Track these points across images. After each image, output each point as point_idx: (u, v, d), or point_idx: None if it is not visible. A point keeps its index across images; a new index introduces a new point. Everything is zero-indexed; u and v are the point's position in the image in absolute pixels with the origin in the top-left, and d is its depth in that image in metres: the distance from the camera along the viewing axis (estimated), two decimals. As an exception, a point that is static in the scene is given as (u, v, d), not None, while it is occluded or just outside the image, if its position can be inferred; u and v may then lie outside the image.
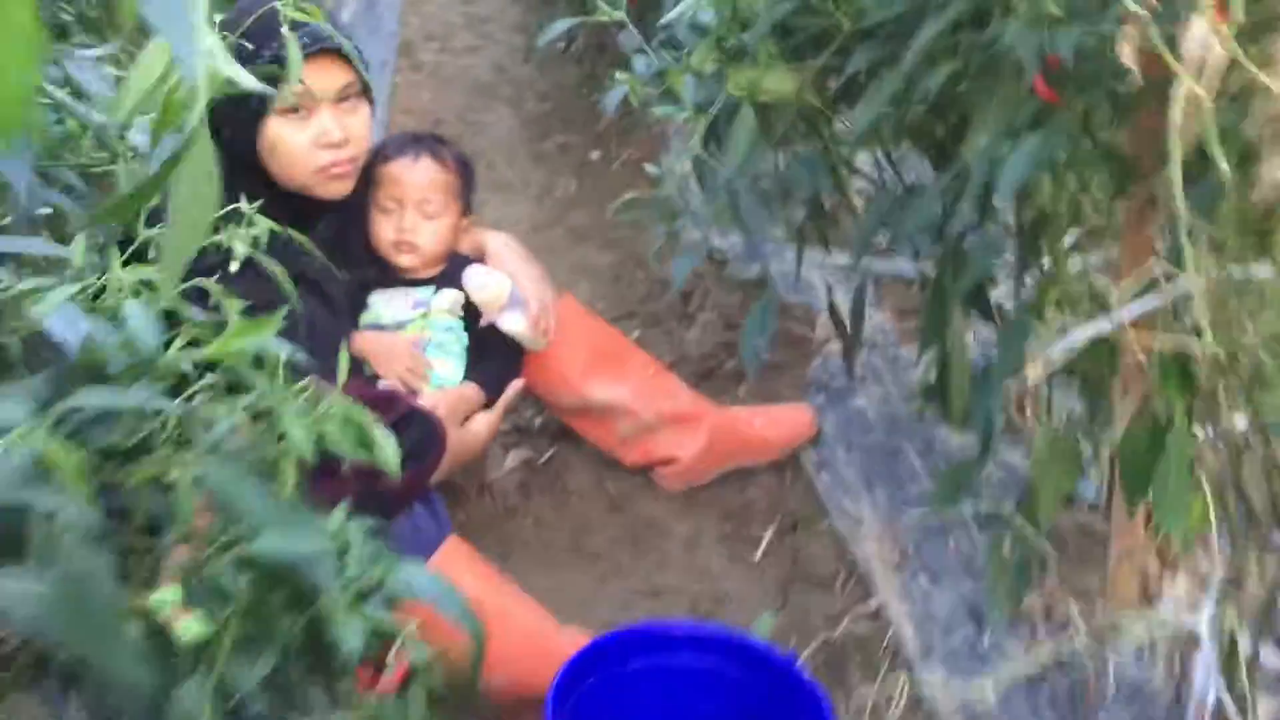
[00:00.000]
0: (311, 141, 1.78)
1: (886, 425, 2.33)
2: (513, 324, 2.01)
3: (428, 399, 1.94)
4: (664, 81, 1.86)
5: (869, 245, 1.64)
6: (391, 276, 2.07)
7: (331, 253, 1.93)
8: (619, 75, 1.90)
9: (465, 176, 2.10)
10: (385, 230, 2.04)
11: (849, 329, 2.02)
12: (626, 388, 2.24)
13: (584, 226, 3.56)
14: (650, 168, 2.33)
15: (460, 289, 2.04)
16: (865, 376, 2.48)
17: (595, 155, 3.96)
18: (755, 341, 1.85)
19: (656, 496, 2.33)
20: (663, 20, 1.70)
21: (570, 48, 4.26)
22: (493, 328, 2.03)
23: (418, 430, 1.78)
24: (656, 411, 2.25)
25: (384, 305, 2.04)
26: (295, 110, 1.76)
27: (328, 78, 1.76)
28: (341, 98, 1.80)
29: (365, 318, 2.04)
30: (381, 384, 1.96)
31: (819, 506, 2.25)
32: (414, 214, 2.04)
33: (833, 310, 2.00)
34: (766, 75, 1.61)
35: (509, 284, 2.00)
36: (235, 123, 1.76)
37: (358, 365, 1.99)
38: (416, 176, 2.03)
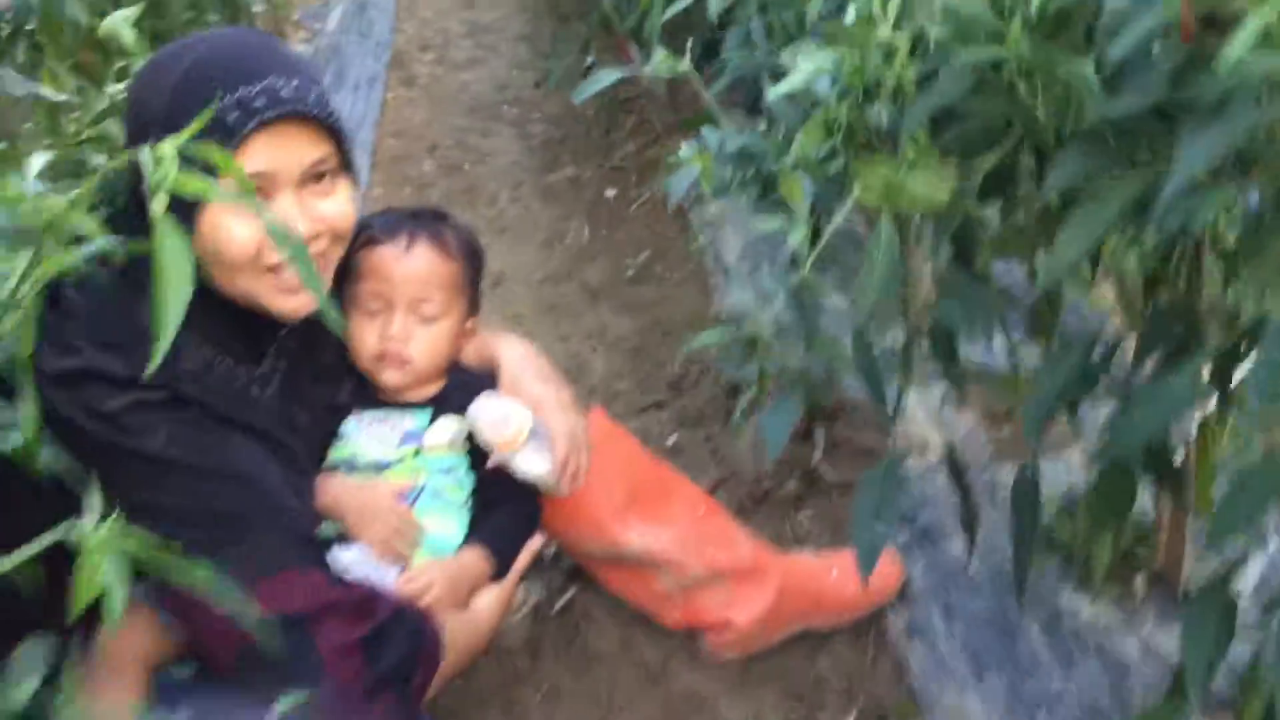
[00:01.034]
0: (260, 235, 1.29)
1: (996, 583, 1.85)
2: (533, 467, 1.52)
3: (417, 578, 1.45)
4: (749, 162, 1.38)
5: (1044, 427, 1.16)
6: (373, 398, 1.57)
7: (295, 371, 1.44)
8: (685, 151, 1.41)
9: (473, 266, 1.61)
10: (367, 337, 1.55)
11: (963, 484, 1.54)
12: (671, 533, 1.75)
13: (600, 282, 3.07)
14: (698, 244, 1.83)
15: (462, 415, 1.54)
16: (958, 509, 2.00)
17: (611, 193, 3.47)
18: (778, 431, 1.37)
19: (703, 665, 1.84)
20: (772, 95, 1.21)
21: (587, 70, 3.76)
22: (502, 468, 1.54)
23: (404, 641, 1.30)
24: (708, 564, 1.76)
25: (363, 437, 1.54)
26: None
27: (291, 152, 1.27)
28: (311, 176, 1.31)
29: (337, 453, 1.54)
30: (351, 554, 1.46)
31: (910, 693, 1.76)
32: (406, 317, 1.54)
33: (952, 464, 1.51)
34: (913, 176, 1.12)
35: (529, 418, 1.51)
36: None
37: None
38: (410, 269, 1.54)
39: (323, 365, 1.53)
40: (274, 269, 1.31)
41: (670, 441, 2.25)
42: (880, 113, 1.15)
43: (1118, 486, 1.23)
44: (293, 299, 1.33)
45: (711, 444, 2.23)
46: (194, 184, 0.69)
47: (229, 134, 1.22)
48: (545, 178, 3.66)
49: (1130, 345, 2.00)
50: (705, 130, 1.43)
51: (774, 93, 1.16)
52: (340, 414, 1.56)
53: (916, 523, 2.00)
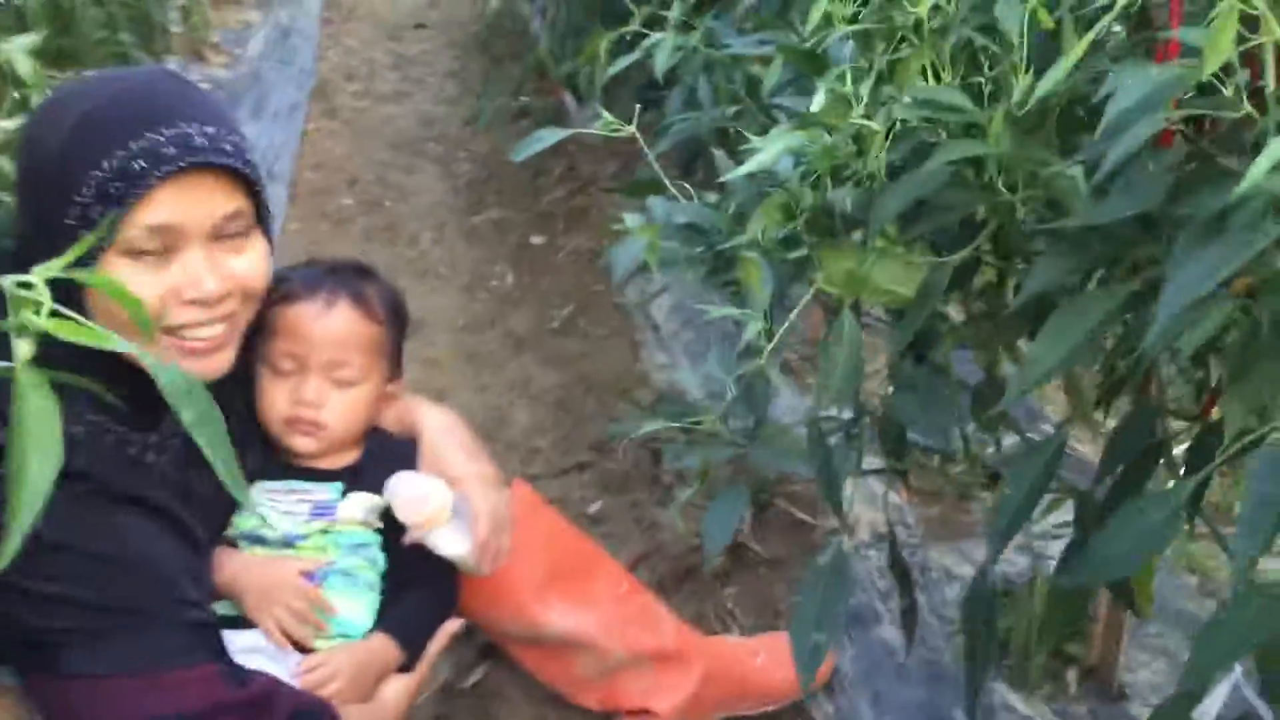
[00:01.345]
0: (167, 293, 1.17)
1: (926, 671, 1.78)
2: (453, 547, 1.42)
3: (319, 666, 1.34)
4: (698, 237, 1.30)
5: (1007, 538, 1.09)
6: (282, 465, 1.46)
7: (191, 441, 1.32)
8: (630, 221, 1.32)
9: (397, 328, 1.51)
10: (277, 399, 1.43)
11: (904, 578, 1.47)
12: (593, 615, 1.66)
13: (524, 332, 2.98)
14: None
15: (377, 491, 1.43)
16: (889, 592, 1.94)
17: (538, 240, 3.39)
18: (720, 531, 1.29)
19: (622, 755, 1.75)
20: (732, 174, 1.14)
21: (519, 113, 3.68)
22: (418, 545, 1.43)
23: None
24: (629, 647, 1.67)
25: (267, 509, 1.42)
26: (148, 250, 1.16)
27: (202, 204, 1.16)
28: (222, 233, 1.20)
29: (241, 523, 1.42)
30: (247, 638, 1.34)
31: (839, 788, 1.69)
32: (320, 380, 1.43)
33: (895, 557, 1.44)
34: (879, 267, 1.06)
35: (450, 496, 1.40)
36: (51, 256, 1.15)
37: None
38: (329, 330, 1.43)
39: (228, 429, 1.41)
40: (176, 330, 1.19)
41: (593, 509, 2.16)
42: (845, 199, 1.08)
43: (1073, 606, 1.17)
44: (199, 363, 1.22)
45: (636, 512, 2.15)
46: (70, 329, 0.59)
47: (132, 184, 1.11)
48: (470, 219, 3.56)
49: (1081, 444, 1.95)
50: (652, 201, 1.34)
51: (736, 172, 1.08)
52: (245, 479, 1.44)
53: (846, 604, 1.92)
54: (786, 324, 1.08)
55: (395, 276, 3.27)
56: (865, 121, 0.97)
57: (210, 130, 1.15)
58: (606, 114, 1.46)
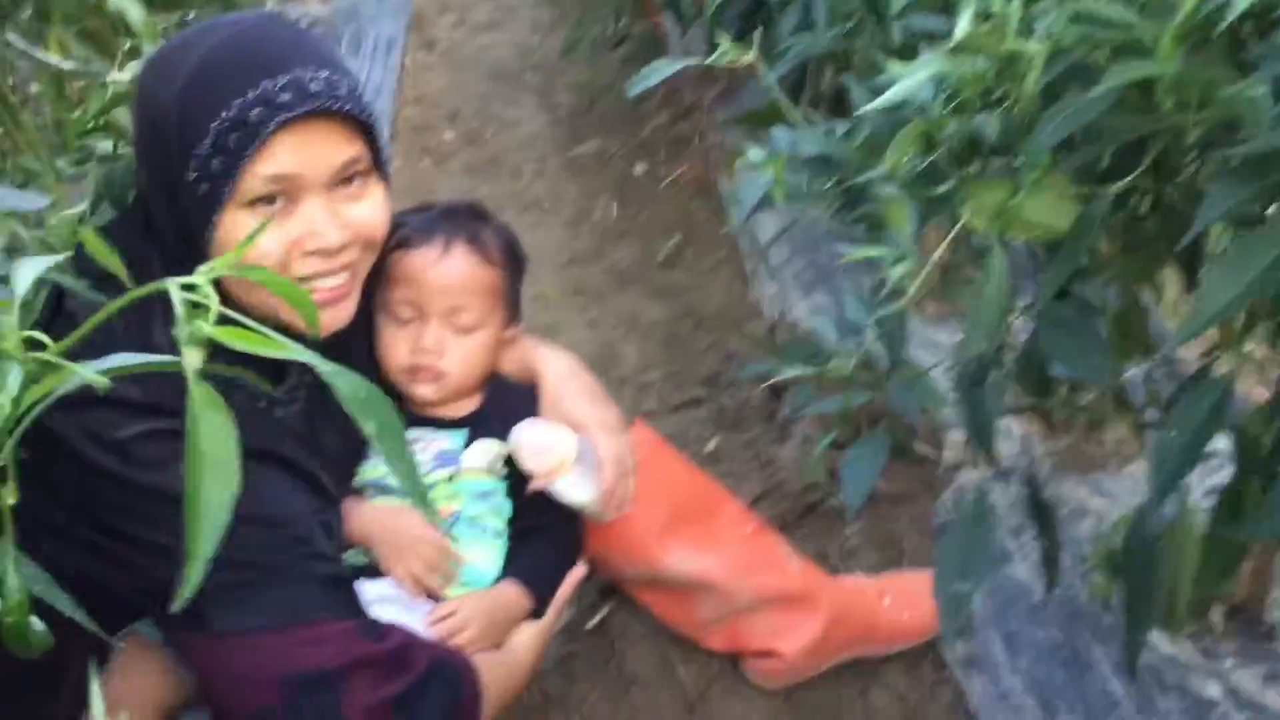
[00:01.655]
0: (290, 245, 1.15)
1: (1062, 613, 1.73)
2: (578, 494, 1.39)
3: (451, 615, 1.33)
4: (828, 170, 1.24)
5: (1170, 486, 1.02)
6: (405, 415, 1.44)
7: (320, 387, 1.31)
8: (753, 154, 1.27)
9: (514, 271, 1.47)
10: (398, 348, 1.42)
11: (1045, 518, 1.41)
12: (716, 558, 1.63)
13: (630, 266, 2.93)
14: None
15: (501, 437, 1.41)
16: (1020, 528, 1.88)
17: (640, 169, 3.32)
18: (861, 482, 1.23)
19: (747, 694, 1.73)
20: (866, 107, 1.07)
21: (621, 43, 3.60)
22: (543, 492, 1.41)
23: (441, 698, 1.18)
24: (755, 590, 1.64)
25: (392, 458, 1.41)
26: (268, 200, 1.13)
27: (320, 152, 1.14)
28: (342, 179, 1.17)
29: (367, 473, 1.42)
30: (379, 587, 1.34)
31: (973, 731, 1.65)
32: (440, 327, 1.41)
33: (1035, 497, 1.38)
34: (1030, 199, 0.99)
35: (574, 444, 1.37)
36: (178, 213, 1.14)
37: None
38: (446, 275, 1.40)
39: (348, 377, 1.40)
40: (300, 282, 1.18)
41: (709, 447, 2.13)
42: (992, 127, 1.01)
43: (1230, 553, 1.11)
44: (322, 314, 1.20)
45: (753, 449, 2.10)
46: (238, 335, 0.55)
47: (251, 133, 1.08)
48: (571, 151, 3.51)
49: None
50: (776, 131, 1.28)
51: (877, 102, 1.02)
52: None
53: (973, 542, 1.87)
54: (930, 262, 1.01)
55: (499, 212, 3.25)
56: (1024, 45, 0.90)
57: (325, 75, 1.11)
58: (724, 39, 1.40)
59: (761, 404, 2.22)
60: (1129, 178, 0.97)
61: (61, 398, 1.13)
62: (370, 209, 1.21)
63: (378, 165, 1.22)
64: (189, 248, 1.15)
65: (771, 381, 2.24)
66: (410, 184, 3.35)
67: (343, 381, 0.55)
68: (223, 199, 1.10)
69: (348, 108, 1.12)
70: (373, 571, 1.37)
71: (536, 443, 1.36)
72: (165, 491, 1.09)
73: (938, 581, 1.19)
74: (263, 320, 1.22)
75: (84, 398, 1.14)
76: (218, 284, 1.19)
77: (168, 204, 1.14)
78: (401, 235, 1.42)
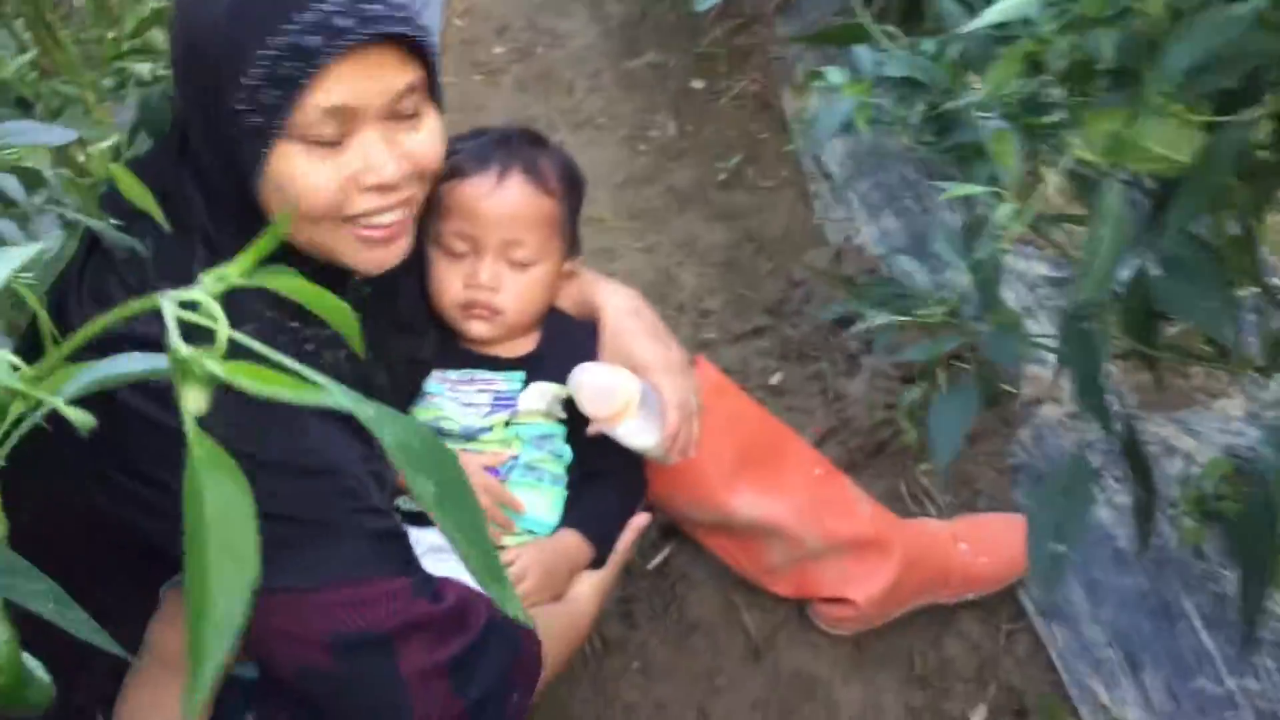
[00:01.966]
0: (346, 181, 1.07)
1: (1149, 561, 1.64)
2: (640, 439, 1.32)
3: (509, 564, 1.27)
4: (916, 94, 1.14)
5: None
6: (459, 353, 1.37)
7: (371, 325, 1.24)
8: (833, 76, 1.16)
9: (573, 201, 1.39)
10: (451, 283, 1.34)
11: (1141, 465, 1.31)
12: (784, 502, 1.55)
13: (688, 186, 2.82)
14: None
15: (559, 381, 1.34)
16: (1101, 467, 1.78)
17: (698, 84, 3.19)
18: (950, 436, 1.15)
19: (815, 641, 1.66)
20: (968, 26, 0.96)
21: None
22: (603, 436, 1.33)
23: (499, 658, 1.12)
24: (825, 535, 1.57)
25: (448, 400, 1.34)
26: (322, 133, 1.05)
27: (378, 80, 1.05)
28: (397, 109, 1.09)
29: (421, 415, 1.35)
30: (433, 536, 1.28)
31: (1053, 683, 1.57)
32: (496, 261, 1.33)
33: (1129, 442, 1.28)
34: (1149, 128, 0.88)
35: (637, 387, 1.29)
36: (223, 145, 1.06)
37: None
38: (501, 206, 1.31)
39: (402, 316, 1.33)
40: (355, 219, 1.10)
41: (774, 379, 2.04)
42: (1109, 48, 0.90)
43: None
44: (378, 252, 1.13)
45: (820, 383, 2.01)
46: (249, 373, 0.40)
47: (306, 63, 1.00)
48: (625, 64, 3.38)
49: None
50: (858, 51, 1.17)
51: (979, 21, 0.91)
52: (423, 370, 1.36)
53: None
54: (1036, 198, 0.91)
55: (552, 130, 3.15)
56: (1159, -46, 0.79)
57: None
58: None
59: (828, 334, 2.12)
60: (1260, 106, 0.86)
61: (96, 340, 1.07)
62: (428, 138, 1.13)
63: (433, 90, 1.14)
64: (233, 182, 1.07)
65: (836, 310, 2.15)
66: (460, 100, 3.25)
67: (391, 430, 0.42)
68: (275, 133, 1.02)
69: (408, 31, 1.03)
70: (427, 519, 1.30)
71: (597, 386, 1.28)
72: None
73: (1031, 540, 1.10)
74: (316, 255, 1.16)
75: (120, 337, 1.08)
76: (264, 219, 1.12)
77: (210, 135, 1.06)
78: (454, 163, 1.33)
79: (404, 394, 1.33)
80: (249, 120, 1.02)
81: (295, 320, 1.13)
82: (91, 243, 1.07)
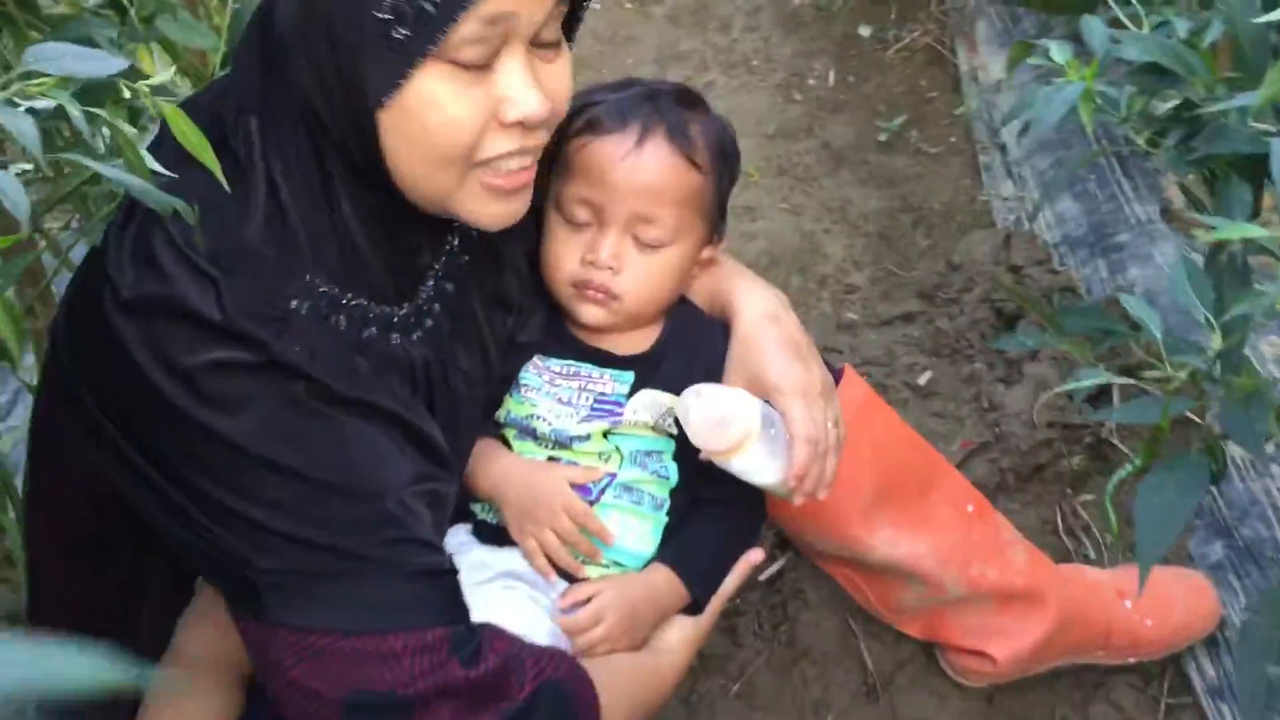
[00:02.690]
0: (484, 111, 0.90)
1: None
2: (760, 475, 1.11)
3: (585, 601, 1.09)
4: (1159, 84, 0.91)
5: None
6: (564, 340, 1.18)
7: (462, 297, 1.06)
8: (1056, 52, 0.94)
9: (724, 178, 1.18)
10: (566, 256, 1.15)
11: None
12: (928, 543, 1.34)
13: (845, 144, 2.59)
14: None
15: (676, 385, 1.14)
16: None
17: (866, 31, 2.93)
18: (1167, 525, 0.91)
19: (941, 688, 1.46)
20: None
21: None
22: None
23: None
24: (970, 582, 1.36)
25: (543, 394, 1.16)
26: (470, 55, 0.87)
27: None
28: (542, 35, 0.92)
29: (513, 407, 1.17)
30: (504, 559, 1.11)
31: (1219, 779, 1.35)
32: (620, 238, 1.13)
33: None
34: None
35: (758, 416, 1.08)
36: (346, 66, 0.88)
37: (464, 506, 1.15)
38: (636, 176, 1.11)
39: (505, 289, 1.15)
40: (487, 163, 0.92)
41: (921, 379, 1.82)
42: None
43: None
44: (502, 205, 0.95)
45: (974, 387, 1.78)
46: None
47: None
48: (789, 2, 3.12)
49: None
50: (1088, 24, 0.94)
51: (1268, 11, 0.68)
52: (523, 355, 1.18)
53: (1236, 535, 1.54)
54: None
55: (702, 69, 2.93)
56: None
57: None
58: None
59: (988, 331, 1.88)
60: None
61: (133, 302, 0.92)
62: (564, 73, 0.96)
63: (569, 22, 0.97)
64: (343, 115, 0.89)
65: (997, 301, 1.90)
66: (607, 29, 3.05)
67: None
68: (426, 49, 0.85)
69: None
70: (503, 534, 1.13)
71: (710, 415, 1.07)
72: (228, 439, 0.87)
73: (1241, 662, 0.89)
74: (428, 204, 0.99)
75: (154, 304, 0.89)
76: (379, 160, 0.95)
77: (328, 52, 0.87)
78: (590, 116, 1.14)
79: (494, 382, 1.15)
80: (394, 32, 0.84)
81: (357, 296, 0.95)
82: (130, 206, 0.91)
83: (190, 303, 0.86)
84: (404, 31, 0.84)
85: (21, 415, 1.54)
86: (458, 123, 0.89)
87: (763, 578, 1.59)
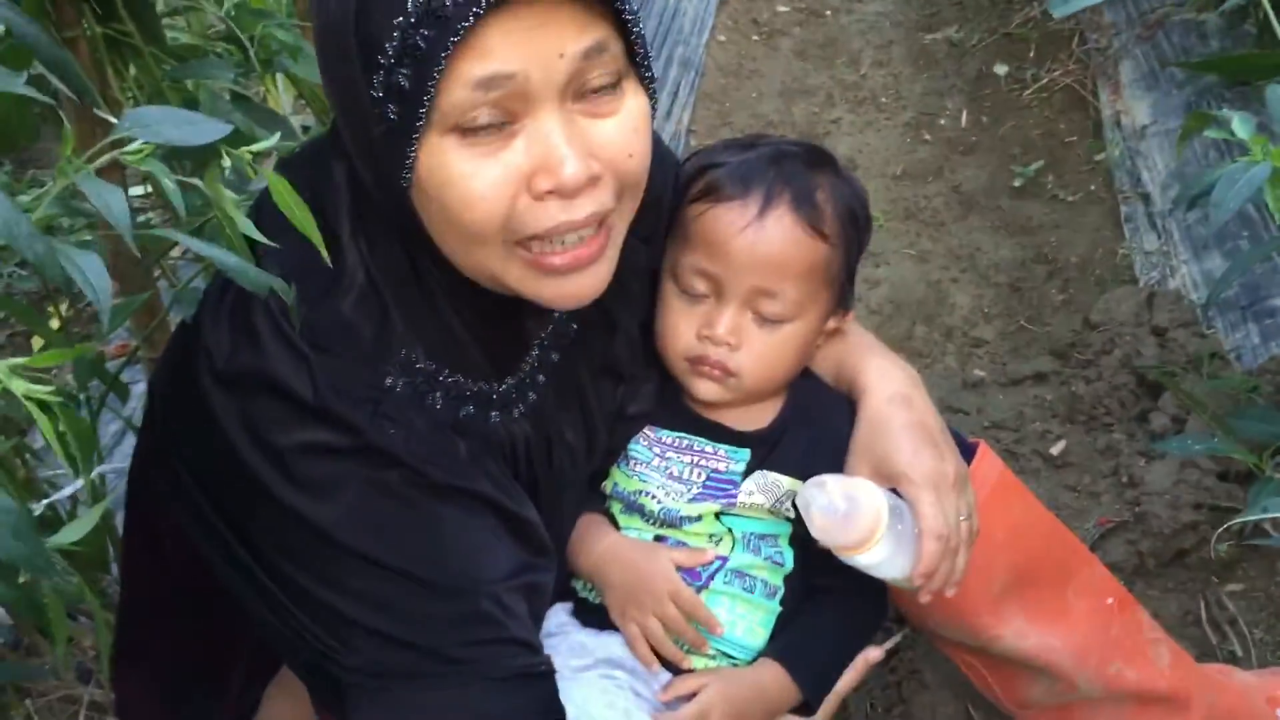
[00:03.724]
0: (515, 184, 0.82)
1: None
2: (885, 569, 1.03)
3: (689, 696, 1.02)
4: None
5: None
6: (678, 411, 1.12)
7: (567, 368, 1.01)
8: (1239, 126, 0.85)
9: (852, 247, 1.10)
10: (681, 328, 1.09)
11: None
12: (1063, 637, 1.24)
13: (976, 188, 2.48)
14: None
15: (795, 466, 1.07)
16: None
17: (1002, 70, 2.82)
18: None
19: (1066, 793, 1.36)
20: None
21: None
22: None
23: None
24: (1105, 681, 1.26)
25: (653, 468, 1.10)
26: (481, 119, 0.80)
27: (549, 41, 0.78)
28: (584, 85, 0.82)
29: (620, 481, 1.11)
30: (606, 645, 1.05)
31: None
32: (740, 312, 1.07)
33: None
34: None
35: (885, 511, 1.00)
36: (366, 147, 0.83)
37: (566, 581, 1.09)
38: (760, 246, 1.05)
39: (616, 359, 1.09)
40: (528, 241, 0.85)
41: (1055, 449, 1.71)
42: None
43: None
44: (561, 284, 0.87)
45: (1113, 460, 1.67)
46: None
47: (448, 26, 0.75)
48: (921, 38, 3.03)
49: None
50: (1275, 91, 0.85)
51: None
52: (633, 427, 1.12)
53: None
54: None
55: (828, 105, 2.85)
56: None
57: None
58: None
59: (1129, 399, 1.77)
60: None
61: (228, 375, 0.88)
62: (620, 128, 0.84)
63: (635, 64, 0.86)
64: (385, 192, 0.84)
65: (1138, 365, 1.79)
66: (732, 61, 2.99)
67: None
68: (417, 124, 0.78)
69: None
70: (605, 616, 1.07)
71: (836, 508, 0.99)
72: (315, 524, 0.83)
73: None
74: (491, 286, 0.94)
75: (248, 377, 0.83)
76: (430, 243, 0.90)
77: (357, 134, 0.83)
78: (711, 180, 1.07)
79: (602, 454, 1.10)
80: (388, 112, 0.78)
81: (455, 372, 0.90)
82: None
83: (283, 380, 0.83)
84: (395, 109, 0.78)
85: (122, 458, 1.54)
86: (477, 197, 0.81)
87: (884, 645, 1.50)
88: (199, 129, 0.71)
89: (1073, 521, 1.58)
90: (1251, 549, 1.55)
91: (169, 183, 0.68)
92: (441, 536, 0.85)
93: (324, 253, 0.80)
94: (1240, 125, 0.85)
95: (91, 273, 0.64)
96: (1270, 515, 0.85)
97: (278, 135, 0.82)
